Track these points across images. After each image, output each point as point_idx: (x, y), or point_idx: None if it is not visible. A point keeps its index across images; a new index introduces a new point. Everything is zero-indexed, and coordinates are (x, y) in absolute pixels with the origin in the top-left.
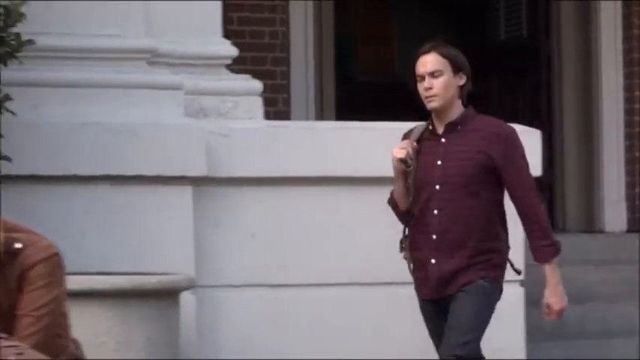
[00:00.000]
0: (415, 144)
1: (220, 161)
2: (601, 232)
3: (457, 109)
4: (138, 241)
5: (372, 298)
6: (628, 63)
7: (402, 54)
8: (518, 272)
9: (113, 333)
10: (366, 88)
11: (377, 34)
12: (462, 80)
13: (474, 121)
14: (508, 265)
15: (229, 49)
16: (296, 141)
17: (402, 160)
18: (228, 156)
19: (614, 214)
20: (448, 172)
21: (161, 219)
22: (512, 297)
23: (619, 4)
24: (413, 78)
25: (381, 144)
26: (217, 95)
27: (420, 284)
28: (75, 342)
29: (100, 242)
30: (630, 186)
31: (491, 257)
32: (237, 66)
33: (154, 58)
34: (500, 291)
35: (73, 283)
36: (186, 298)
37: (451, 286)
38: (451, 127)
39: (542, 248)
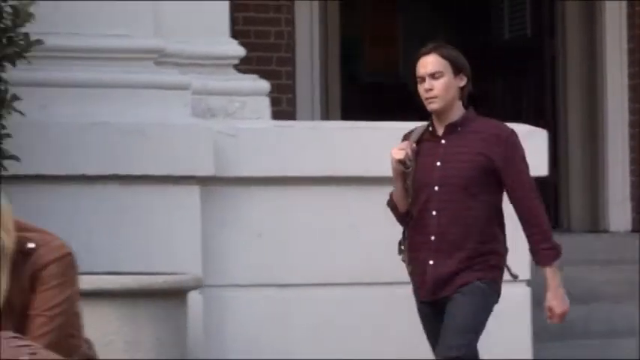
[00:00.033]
0: (414, 145)
1: (228, 161)
2: (606, 232)
3: (458, 111)
4: (146, 241)
5: (379, 299)
6: (633, 63)
7: (407, 54)
8: (515, 277)
9: (122, 333)
10: (371, 88)
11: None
12: (463, 81)
13: (474, 122)
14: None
15: (237, 49)
16: (303, 141)
17: (401, 161)
18: (236, 156)
19: (619, 214)
20: (447, 173)
21: (169, 219)
22: (518, 297)
23: (624, 3)
24: (413, 79)
25: (389, 144)
26: (225, 95)
27: (417, 286)
28: (87, 342)
29: (107, 242)
30: (635, 186)
31: (489, 259)
32: (242, 66)
33: (161, 58)
34: (498, 293)
35: (82, 282)
36: (194, 298)
37: (448, 287)
38: (451, 129)
39: (542, 251)
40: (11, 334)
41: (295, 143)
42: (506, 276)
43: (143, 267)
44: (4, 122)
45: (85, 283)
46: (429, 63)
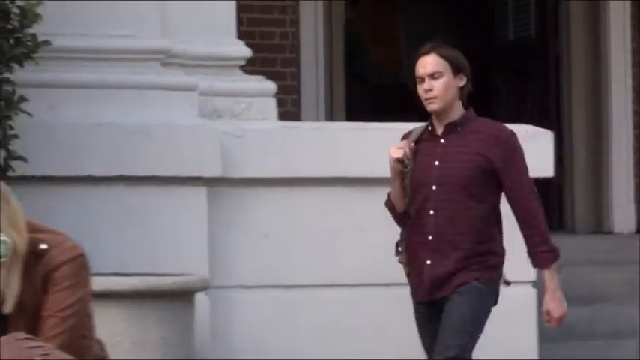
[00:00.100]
0: (413, 144)
1: (234, 162)
2: (610, 232)
3: (457, 111)
4: (152, 242)
5: (385, 299)
6: (637, 63)
7: (411, 55)
8: (507, 283)
9: (129, 333)
10: (376, 88)
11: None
12: (463, 81)
13: (474, 123)
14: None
15: (243, 50)
16: (309, 142)
17: (399, 160)
18: (242, 157)
19: (623, 215)
20: (446, 173)
21: (175, 220)
22: (523, 298)
23: (628, 3)
24: (413, 79)
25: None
26: (231, 96)
27: (415, 287)
28: (99, 342)
29: (114, 243)
30: (639, 187)
31: (487, 259)
32: (247, 67)
33: (168, 59)
34: (497, 293)
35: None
36: (200, 299)
37: (445, 287)
38: (451, 128)
39: (540, 254)
40: (24, 334)
41: (301, 144)
42: (510, 277)
43: (149, 268)
44: (11, 123)
45: (93, 284)
46: (429, 63)
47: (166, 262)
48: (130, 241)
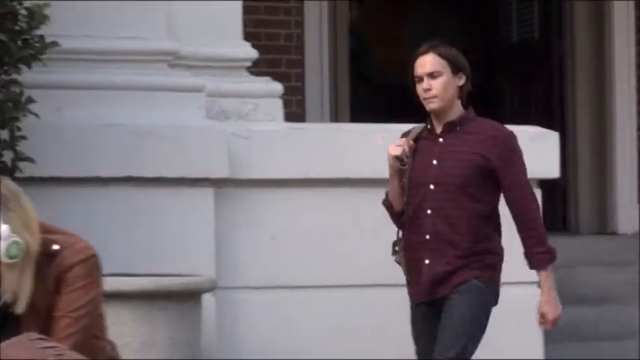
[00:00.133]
0: (412, 143)
1: (241, 163)
2: (614, 233)
3: (457, 110)
4: (159, 243)
5: (392, 300)
6: None
7: None
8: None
9: (137, 334)
10: (381, 89)
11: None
12: (462, 80)
13: (473, 122)
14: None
15: (249, 52)
16: (316, 143)
17: (398, 158)
18: (249, 158)
19: (627, 216)
20: (443, 172)
21: (183, 220)
22: (530, 298)
23: (632, 4)
24: (412, 79)
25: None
26: (238, 97)
27: (413, 286)
28: (111, 343)
29: (121, 244)
30: None
31: (485, 258)
32: (252, 68)
33: (175, 60)
34: (497, 293)
35: None
36: (207, 300)
37: (443, 287)
38: (449, 127)
39: (537, 255)
40: (37, 335)
41: (309, 145)
42: (512, 278)
43: (156, 269)
44: (19, 124)
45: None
46: (427, 62)
47: (173, 262)
48: (137, 242)
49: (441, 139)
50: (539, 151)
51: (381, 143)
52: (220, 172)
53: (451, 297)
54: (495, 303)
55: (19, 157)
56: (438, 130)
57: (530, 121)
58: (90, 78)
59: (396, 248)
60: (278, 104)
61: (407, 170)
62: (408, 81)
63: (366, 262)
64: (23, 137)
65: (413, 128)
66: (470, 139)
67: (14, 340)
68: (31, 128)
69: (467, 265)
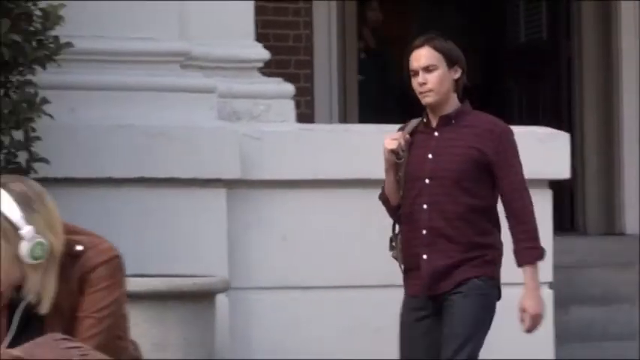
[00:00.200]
0: (408, 136)
1: (253, 164)
2: (622, 234)
3: (453, 104)
4: (171, 243)
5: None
6: None
7: None
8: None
9: (150, 335)
10: (390, 89)
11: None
12: (457, 74)
13: (469, 116)
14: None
15: (261, 53)
16: (328, 144)
17: (394, 152)
18: (261, 159)
19: (634, 216)
20: (439, 166)
21: (195, 221)
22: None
23: (638, 4)
24: (408, 73)
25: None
26: (250, 98)
27: (411, 282)
28: (133, 343)
29: (134, 244)
30: None
31: (486, 253)
32: (261, 69)
33: (187, 61)
34: (498, 288)
35: None
36: (220, 300)
37: (444, 282)
38: (445, 121)
39: (525, 250)
40: (61, 335)
41: (320, 146)
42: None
43: (169, 269)
44: (34, 125)
45: None
46: (422, 56)
47: (186, 263)
48: (149, 243)
49: (436, 133)
50: (548, 151)
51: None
52: (232, 172)
53: (452, 298)
54: (498, 298)
55: (33, 158)
56: (434, 123)
57: (537, 121)
58: (103, 79)
59: (393, 244)
60: (290, 105)
61: (403, 164)
62: (403, 75)
63: (375, 262)
64: (38, 138)
65: (410, 121)
66: (466, 132)
67: (39, 340)
68: (46, 129)
69: (467, 260)
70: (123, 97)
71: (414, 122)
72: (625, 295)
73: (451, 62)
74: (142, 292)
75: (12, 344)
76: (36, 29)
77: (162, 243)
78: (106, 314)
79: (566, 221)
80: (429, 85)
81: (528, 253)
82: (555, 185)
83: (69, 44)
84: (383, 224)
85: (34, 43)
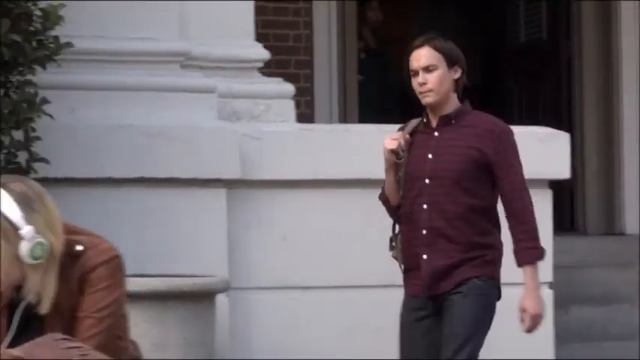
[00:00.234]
0: (408, 136)
1: (253, 164)
2: (622, 234)
3: (453, 104)
4: (171, 243)
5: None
6: None
7: None
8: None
9: (150, 335)
10: (390, 89)
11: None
12: (457, 74)
13: (469, 116)
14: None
15: (261, 53)
16: (328, 144)
17: (394, 152)
18: (261, 159)
19: (634, 216)
20: (439, 166)
21: (195, 221)
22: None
23: (638, 4)
24: (407, 73)
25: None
26: (250, 98)
27: (411, 282)
28: (133, 343)
29: (134, 244)
30: None
31: (486, 253)
32: (261, 69)
33: (187, 61)
34: (499, 288)
35: None
36: (220, 300)
37: (444, 282)
38: (445, 121)
39: (525, 250)
40: (61, 335)
41: (320, 146)
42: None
43: (169, 269)
44: (33, 125)
45: None
46: (422, 56)
47: (186, 263)
48: (149, 243)
49: (436, 133)
50: (549, 151)
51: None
52: (232, 172)
53: (452, 298)
54: (498, 298)
55: (33, 158)
56: (434, 123)
57: (537, 121)
58: (102, 79)
59: (393, 244)
60: (290, 105)
61: (402, 164)
62: (403, 75)
63: (375, 262)
64: (38, 138)
65: (410, 121)
66: (466, 132)
67: (39, 340)
68: (46, 129)
69: (467, 260)
70: (123, 97)
71: (414, 122)
72: (625, 295)
73: (451, 62)
74: (142, 292)
75: (12, 344)
76: (36, 29)
77: (162, 243)
78: (106, 314)
79: (566, 221)
80: (429, 85)
81: (528, 253)
82: (555, 185)
83: (69, 44)
84: (383, 224)
85: (34, 43)
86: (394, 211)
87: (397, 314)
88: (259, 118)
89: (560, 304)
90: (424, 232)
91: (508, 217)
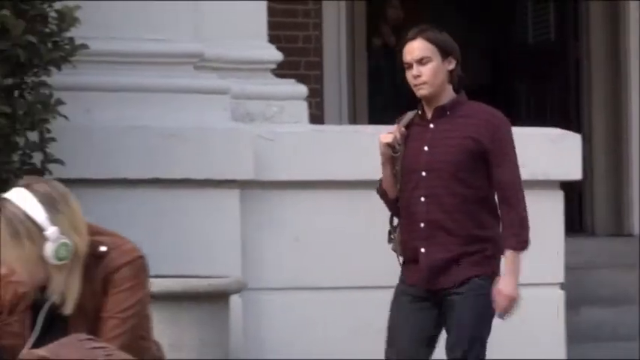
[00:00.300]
0: (404, 129)
1: (266, 165)
2: (630, 235)
3: (448, 95)
4: (185, 244)
5: None
6: None
7: None
8: None
9: (165, 335)
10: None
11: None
12: (452, 65)
13: (464, 106)
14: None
15: (274, 54)
16: (341, 144)
17: (390, 145)
18: (274, 160)
19: None
20: (435, 158)
21: (209, 222)
22: (552, 299)
23: None
24: (402, 66)
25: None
26: (263, 99)
27: (410, 273)
28: (156, 343)
29: (147, 245)
30: None
31: (485, 248)
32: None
33: (200, 62)
34: None
35: None
36: (234, 301)
37: (444, 278)
38: (440, 112)
39: (511, 237)
40: (85, 335)
41: (333, 147)
42: (536, 279)
43: (182, 269)
44: (49, 126)
45: None
46: (416, 48)
47: (199, 263)
48: (163, 243)
49: (431, 125)
50: (559, 152)
51: None
52: (245, 173)
53: (453, 299)
54: None
55: (48, 159)
56: (429, 115)
57: (545, 122)
58: (117, 80)
59: (392, 236)
60: (303, 106)
61: (399, 157)
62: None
63: (385, 263)
64: (53, 139)
65: (405, 114)
66: (461, 122)
67: (64, 340)
68: (60, 130)
69: (467, 255)
70: (137, 98)
71: (409, 115)
72: (633, 296)
73: (445, 53)
74: (157, 292)
75: (36, 344)
76: (51, 31)
77: (175, 243)
78: (129, 314)
79: (574, 222)
80: (424, 78)
81: (514, 239)
82: (563, 186)
83: (84, 46)
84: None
85: (49, 45)
86: (392, 205)
87: None
88: (272, 119)
89: (570, 304)
90: (422, 225)
91: (500, 205)
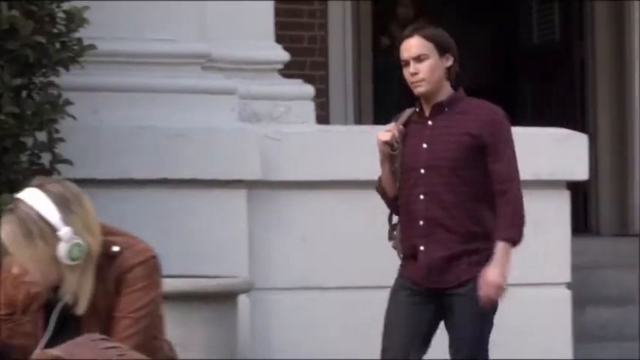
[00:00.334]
0: (402, 127)
1: (273, 165)
2: (635, 235)
3: (445, 92)
4: (192, 244)
5: None
6: None
7: None
8: None
9: (174, 335)
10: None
11: None
12: (449, 62)
13: (462, 102)
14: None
15: (281, 54)
16: (348, 145)
17: (388, 143)
18: (281, 160)
19: None
20: (434, 155)
21: (216, 222)
22: (559, 299)
23: None
24: (399, 63)
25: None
26: (270, 100)
27: (409, 268)
28: (168, 343)
29: (155, 245)
30: None
31: (485, 246)
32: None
33: (207, 63)
34: None
35: None
36: (241, 301)
37: (444, 277)
38: (438, 109)
39: (505, 229)
40: (99, 335)
41: (340, 147)
42: (542, 279)
43: (189, 269)
44: (57, 127)
45: None
46: (413, 46)
47: (206, 263)
48: (171, 243)
49: (430, 122)
50: (566, 152)
51: None
52: (253, 173)
53: (454, 300)
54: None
55: (56, 159)
56: (427, 113)
57: (551, 122)
58: (124, 80)
59: (394, 233)
60: (310, 106)
61: (398, 155)
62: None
63: (393, 263)
64: (61, 139)
65: (404, 112)
66: (459, 119)
67: (77, 340)
68: (69, 130)
69: (466, 253)
70: (145, 98)
71: (407, 112)
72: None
73: (442, 50)
74: (167, 292)
75: (49, 344)
76: (60, 31)
77: (182, 243)
78: (142, 314)
79: (579, 222)
80: (421, 75)
81: (507, 231)
82: (569, 186)
83: (92, 46)
84: None
85: (57, 45)
86: (392, 202)
87: None
88: (279, 119)
89: (576, 304)
90: (421, 222)
91: (497, 198)
